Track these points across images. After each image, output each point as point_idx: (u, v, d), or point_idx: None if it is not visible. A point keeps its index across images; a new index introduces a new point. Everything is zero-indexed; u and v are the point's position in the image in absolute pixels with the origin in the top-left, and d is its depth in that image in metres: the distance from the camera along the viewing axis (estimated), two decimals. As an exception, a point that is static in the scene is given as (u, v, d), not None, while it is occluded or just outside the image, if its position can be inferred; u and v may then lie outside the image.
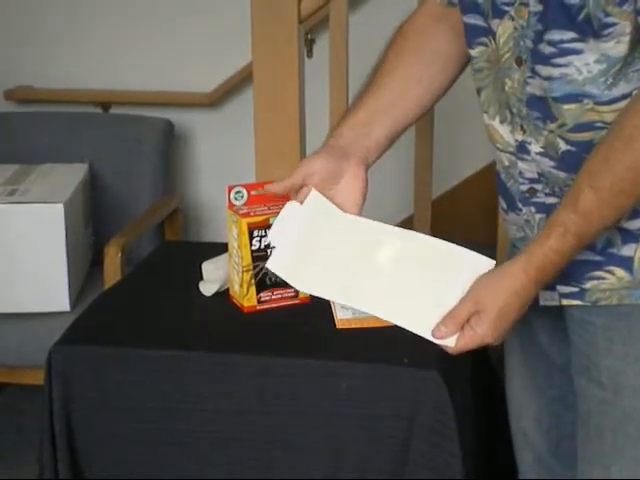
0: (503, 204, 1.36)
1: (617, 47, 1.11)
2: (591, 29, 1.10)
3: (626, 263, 1.22)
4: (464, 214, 2.84)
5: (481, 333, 1.18)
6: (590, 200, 1.14)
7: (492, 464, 1.50)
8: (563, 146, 1.20)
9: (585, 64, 1.13)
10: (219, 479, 1.34)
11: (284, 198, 1.44)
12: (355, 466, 1.30)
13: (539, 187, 1.26)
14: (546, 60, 1.16)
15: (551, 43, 1.14)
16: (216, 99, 3.13)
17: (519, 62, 1.20)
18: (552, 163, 1.23)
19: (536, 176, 1.26)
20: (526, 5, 1.16)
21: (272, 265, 1.21)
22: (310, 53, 2.88)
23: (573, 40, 1.12)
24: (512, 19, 1.19)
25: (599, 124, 1.16)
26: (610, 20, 1.09)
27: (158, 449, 1.36)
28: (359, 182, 1.28)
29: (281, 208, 1.39)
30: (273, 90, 1.88)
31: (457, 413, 1.24)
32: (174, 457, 1.35)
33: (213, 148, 3.24)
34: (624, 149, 1.11)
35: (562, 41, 1.13)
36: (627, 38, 1.10)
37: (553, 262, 1.17)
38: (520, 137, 1.25)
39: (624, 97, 1.14)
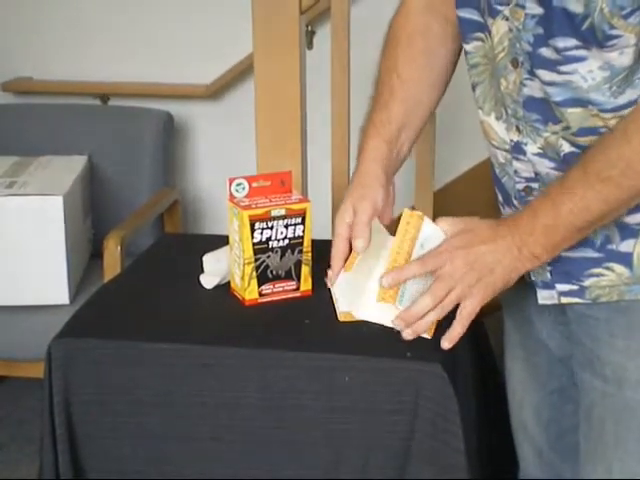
0: (500, 198, 1.36)
1: (620, 58, 1.09)
2: (595, 39, 1.08)
3: (625, 259, 1.22)
4: (466, 206, 2.82)
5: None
6: (576, 178, 1.14)
7: (493, 459, 1.50)
8: (567, 148, 1.19)
9: (589, 71, 1.12)
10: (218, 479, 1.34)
11: (287, 189, 1.44)
12: (356, 461, 1.29)
13: (535, 186, 1.25)
14: (550, 66, 1.14)
15: (556, 50, 1.12)
16: (216, 91, 3.12)
17: (515, 64, 1.19)
18: (552, 164, 1.22)
19: (532, 175, 1.25)
20: (522, 7, 1.15)
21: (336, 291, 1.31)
22: (310, 45, 2.87)
23: (576, 47, 1.11)
24: (506, 19, 1.18)
25: (604, 129, 1.15)
26: (615, 32, 1.07)
27: (158, 442, 1.35)
28: (392, 199, 1.39)
29: (283, 201, 1.39)
30: (274, 82, 1.88)
31: (461, 408, 1.23)
32: (174, 450, 1.35)
33: (213, 140, 3.24)
34: (620, 139, 1.11)
35: (566, 48, 1.11)
36: (631, 50, 1.08)
37: (527, 216, 1.19)
38: (515, 137, 1.24)
39: (630, 104, 1.13)
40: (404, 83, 1.37)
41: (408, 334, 1.24)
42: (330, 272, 1.33)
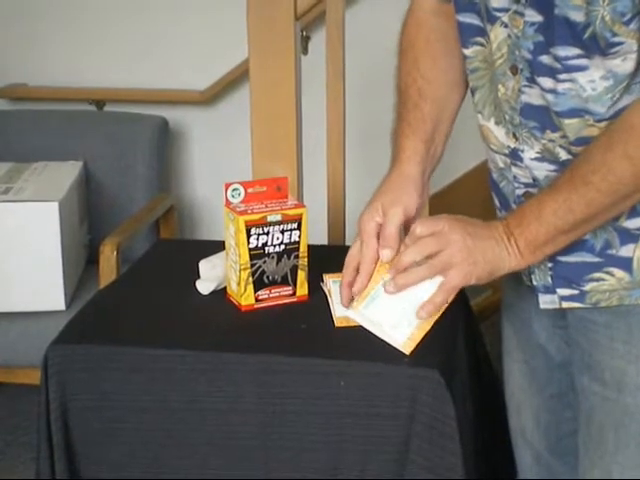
0: (497, 202, 1.35)
1: (623, 64, 1.09)
2: (597, 47, 1.08)
3: (625, 264, 1.22)
4: (462, 209, 2.83)
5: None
6: (564, 181, 1.15)
7: (491, 464, 1.50)
8: (564, 155, 1.20)
9: (590, 81, 1.12)
10: (218, 479, 1.34)
11: (283, 195, 1.44)
12: (354, 465, 1.29)
13: (534, 191, 1.25)
14: (550, 73, 1.14)
15: (556, 59, 1.12)
16: (211, 96, 3.12)
17: (514, 70, 1.19)
18: (552, 167, 1.22)
19: (531, 181, 1.25)
20: (521, 15, 1.15)
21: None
22: (305, 50, 2.88)
23: (578, 56, 1.10)
24: (505, 26, 1.17)
25: None
26: (617, 39, 1.07)
27: (156, 449, 1.35)
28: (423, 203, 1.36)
29: (279, 206, 1.39)
30: (269, 87, 1.88)
31: (457, 412, 1.23)
32: (172, 457, 1.34)
33: (208, 145, 3.24)
34: (604, 145, 1.12)
35: (567, 57, 1.11)
36: (634, 55, 1.08)
37: (515, 215, 1.20)
38: (512, 144, 1.24)
39: (625, 110, 1.13)
40: (429, 84, 1.34)
41: (391, 286, 1.21)
42: (326, 276, 1.33)
